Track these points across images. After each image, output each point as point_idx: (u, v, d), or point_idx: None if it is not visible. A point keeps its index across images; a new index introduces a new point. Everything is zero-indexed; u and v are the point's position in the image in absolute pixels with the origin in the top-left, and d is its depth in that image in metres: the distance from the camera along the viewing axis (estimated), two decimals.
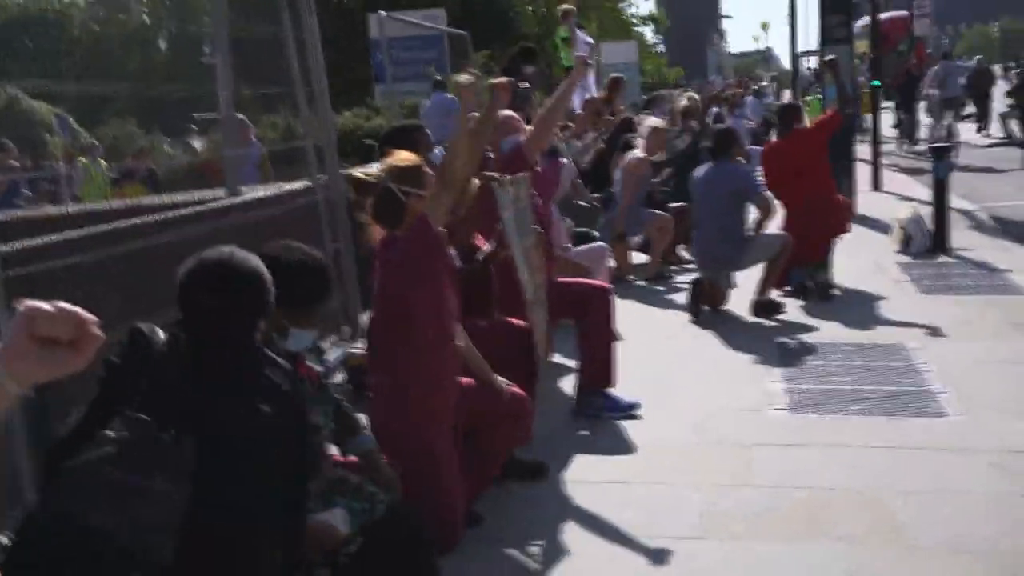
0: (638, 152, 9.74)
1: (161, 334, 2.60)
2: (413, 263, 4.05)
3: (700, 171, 8.42)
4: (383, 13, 11.96)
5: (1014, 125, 22.79)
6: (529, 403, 4.59)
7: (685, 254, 10.21)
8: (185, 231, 5.01)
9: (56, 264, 4.10)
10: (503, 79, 4.92)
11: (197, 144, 13.25)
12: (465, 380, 4.42)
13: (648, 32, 54.27)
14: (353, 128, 16.51)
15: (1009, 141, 22.54)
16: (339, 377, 6.14)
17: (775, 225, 8.60)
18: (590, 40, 14.19)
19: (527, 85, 7.66)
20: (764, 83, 35.72)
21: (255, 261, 2.66)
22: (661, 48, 68.76)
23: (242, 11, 6.58)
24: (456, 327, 4.34)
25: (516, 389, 4.56)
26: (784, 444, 5.32)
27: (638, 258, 10.02)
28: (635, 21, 49.27)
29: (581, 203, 10.20)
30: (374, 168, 4.37)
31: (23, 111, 15.85)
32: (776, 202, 8.50)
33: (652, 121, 10.26)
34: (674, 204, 10.10)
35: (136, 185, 11.47)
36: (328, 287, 3.46)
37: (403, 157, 4.24)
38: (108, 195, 11.29)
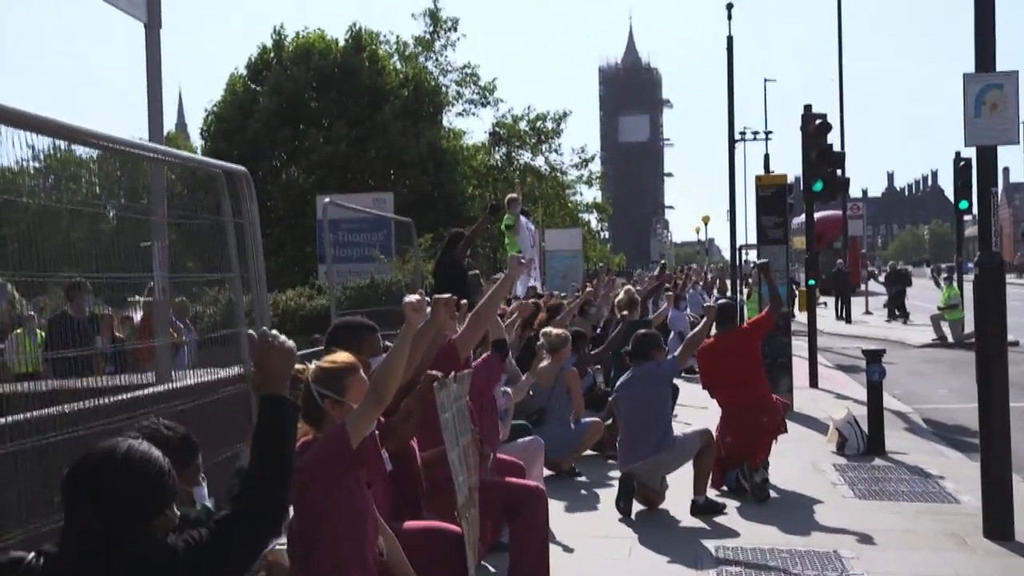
0: (548, 363, 9.26)
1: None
2: (322, 470, 3.91)
3: (623, 379, 8.52)
4: (327, 199, 12.17)
5: (945, 327, 23.40)
6: None
7: None
8: (111, 420, 4.84)
9: None
10: (446, 296, 4.93)
11: (137, 318, 13.07)
12: None
13: (593, 219, 55.42)
14: (295, 308, 16.51)
15: (942, 343, 23.09)
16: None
17: (709, 424, 8.62)
18: (532, 227, 14.45)
19: (475, 271, 7.67)
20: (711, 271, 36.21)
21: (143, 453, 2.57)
22: (606, 235, 70.23)
23: (185, 189, 6.60)
24: (375, 535, 4.17)
25: None
26: None
27: None
28: (581, 208, 50.42)
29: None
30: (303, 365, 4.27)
31: None
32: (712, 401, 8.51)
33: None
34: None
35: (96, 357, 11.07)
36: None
37: (332, 359, 4.14)
38: (40, 368, 10.94)
